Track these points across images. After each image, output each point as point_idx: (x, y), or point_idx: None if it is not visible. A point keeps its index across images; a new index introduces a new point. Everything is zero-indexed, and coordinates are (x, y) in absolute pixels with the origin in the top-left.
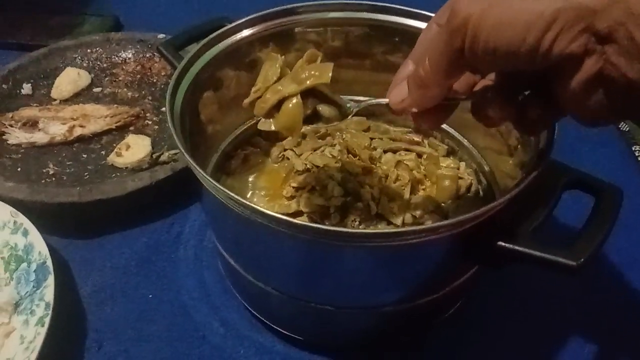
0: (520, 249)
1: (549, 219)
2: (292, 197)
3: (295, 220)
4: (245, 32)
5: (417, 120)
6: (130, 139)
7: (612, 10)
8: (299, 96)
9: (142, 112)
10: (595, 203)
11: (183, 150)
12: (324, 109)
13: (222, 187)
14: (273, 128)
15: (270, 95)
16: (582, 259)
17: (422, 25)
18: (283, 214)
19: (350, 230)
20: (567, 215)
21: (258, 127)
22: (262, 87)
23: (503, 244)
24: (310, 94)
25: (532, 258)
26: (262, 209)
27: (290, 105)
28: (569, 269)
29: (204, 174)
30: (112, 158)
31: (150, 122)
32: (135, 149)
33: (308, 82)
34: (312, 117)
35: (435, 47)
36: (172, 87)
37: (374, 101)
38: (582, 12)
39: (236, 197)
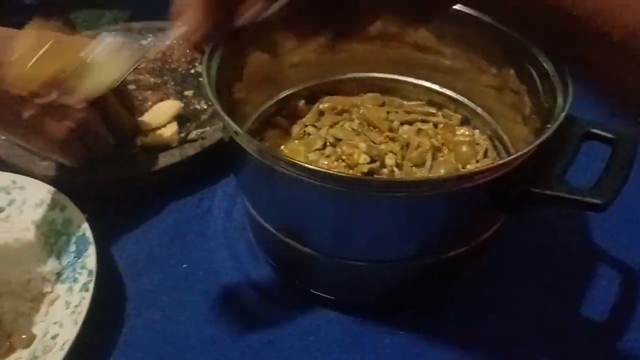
0: (551, 192)
1: (570, 166)
2: None
3: (334, 172)
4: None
5: None
6: None
7: None
8: None
9: (166, 96)
10: (612, 151)
11: (222, 114)
12: None
13: (261, 144)
14: None
15: None
16: (607, 198)
17: None
18: None
19: (389, 178)
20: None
21: None
22: None
23: (535, 189)
24: None
25: (564, 200)
26: (301, 163)
27: None
28: (596, 207)
29: (243, 133)
30: (141, 138)
31: None
32: (162, 129)
33: None
34: None
35: None
36: (206, 64)
37: None
38: None
39: (277, 152)
